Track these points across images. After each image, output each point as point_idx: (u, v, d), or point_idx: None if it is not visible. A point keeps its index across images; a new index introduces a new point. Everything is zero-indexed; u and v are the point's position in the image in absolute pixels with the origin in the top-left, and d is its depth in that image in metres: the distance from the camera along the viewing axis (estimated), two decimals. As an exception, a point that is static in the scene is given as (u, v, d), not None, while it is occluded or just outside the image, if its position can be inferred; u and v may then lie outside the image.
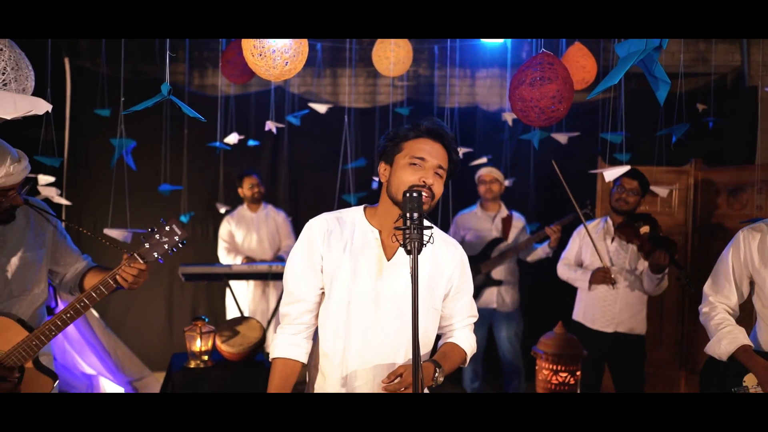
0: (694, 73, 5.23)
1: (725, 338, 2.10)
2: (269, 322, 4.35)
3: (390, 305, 1.73)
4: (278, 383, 1.75)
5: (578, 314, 3.53)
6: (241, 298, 4.55)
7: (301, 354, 1.78)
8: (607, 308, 3.38)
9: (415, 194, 1.50)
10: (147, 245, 2.00)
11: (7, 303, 2.06)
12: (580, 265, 3.56)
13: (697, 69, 5.24)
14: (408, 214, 1.48)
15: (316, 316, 1.81)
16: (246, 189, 4.70)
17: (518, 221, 4.27)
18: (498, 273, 4.14)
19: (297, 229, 4.90)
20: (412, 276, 1.46)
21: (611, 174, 2.39)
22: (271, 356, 1.80)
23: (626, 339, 3.34)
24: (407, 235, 1.46)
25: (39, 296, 2.15)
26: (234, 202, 4.88)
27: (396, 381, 1.60)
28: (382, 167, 1.78)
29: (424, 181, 1.66)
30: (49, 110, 1.72)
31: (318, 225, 1.79)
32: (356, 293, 1.73)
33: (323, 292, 1.79)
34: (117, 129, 3.82)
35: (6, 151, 1.91)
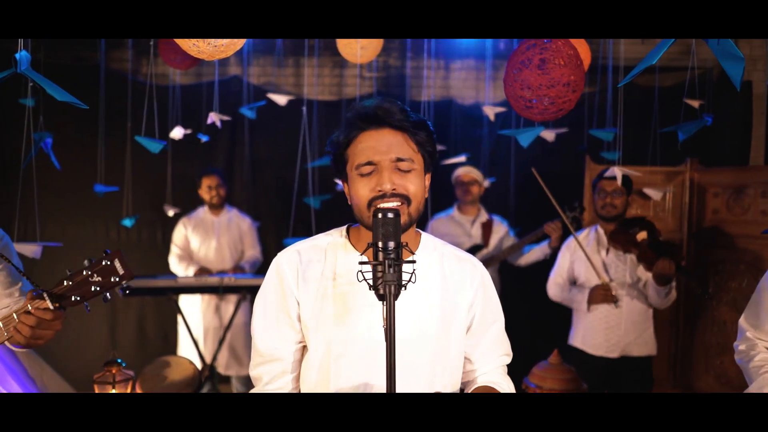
0: (681, 66, 4.94)
1: None
2: (221, 341, 3.86)
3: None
4: None
5: (576, 339, 3.14)
6: (193, 313, 4.05)
7: None
8: (612, 331, 3.00)
9: (389, 215, 1.07)
10: (68, 282, 1.48)
11: None
12: (573, 282, 3.18)
13: (684, 62, 4.95)
14: (380, 244, 1.05)
15: (297, 378, 1.37)
16: (204, 191, 4.15)
17: (500, 226, 3.90)
18: None
19: (259, 236, 4.42)
20: (386, 332, 1.04)
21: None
22: None
23: (634, 363, 2.98)
24: (379, 276, 1.03)
25: None
26: (185, 204, 4.37)
27: None
28: (345, 186, 1.36)
29: (380, 190, 1.24)
30: None
31: (288, 260, 1.35)
32: (345, 342, 1.30)
33: (303, 346, 1.36)
34: (47, 122, 3.33)
35: None
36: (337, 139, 1.35)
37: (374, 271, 1.06)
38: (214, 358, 3.86)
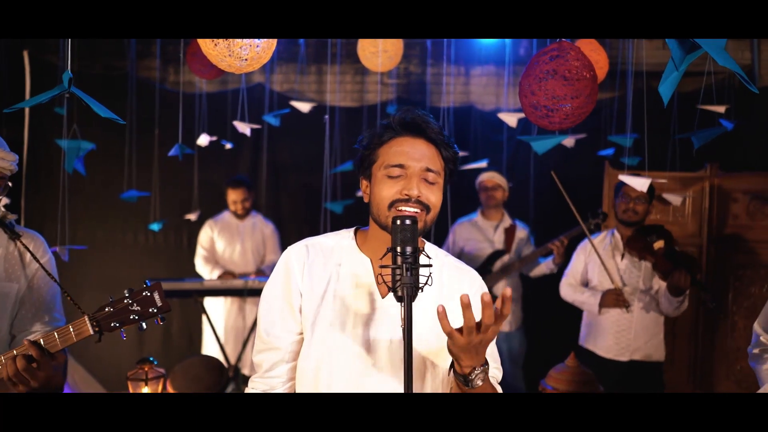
0: (701, 71, 4.91)
1: None
2: (245, 342, 3.96)
3: (385, 355, 1.33)
4: None
5: (587, 341, 3.17)
6: (217, 314, 4.16)
7: None
8: (622, 334, 3.02)
9: (407, 222, 1.14)
10: (109, 309, 1.51)
11: None
12: (585, 284, 3.21)
13: (704, 67, 4.92)
14: (399, 249, 1.12)
15: (294, 368, 1.41)
16: (229, 203, 4.27)
17: (521, 231, 3.93)
18: (500, 289, 3.79)
19: (281, 239, 4.51)
20: (404, 331, 1.10)
21: (640, 183, 2.08)
22: None
23: (643, 367, 3.00)
24: (398, 279, 1.10)
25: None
26: (211, 208, 4.49)
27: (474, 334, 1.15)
28: (363, 184, 1.40)
29: (407, 194, 1.28)
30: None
31: (297, 253, 1.40)
32: (342, 339, 1.33)
33: (302, 338, 1.39)
34: (78, 130, 3.45)
35: None
36: (370, 138, 1.37)
37: (393, 274, 1.12)
38: (239, 359, 3.95)
